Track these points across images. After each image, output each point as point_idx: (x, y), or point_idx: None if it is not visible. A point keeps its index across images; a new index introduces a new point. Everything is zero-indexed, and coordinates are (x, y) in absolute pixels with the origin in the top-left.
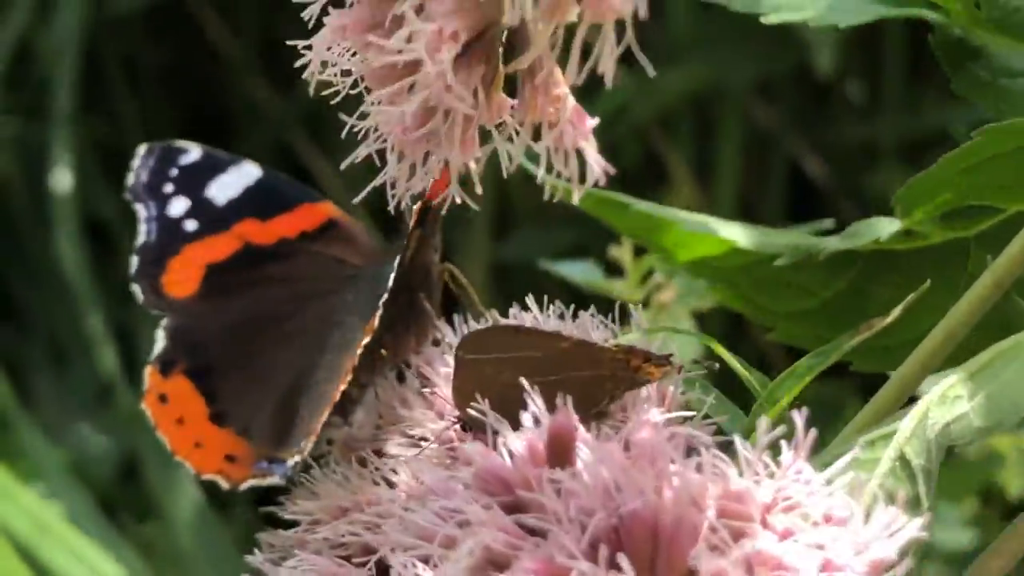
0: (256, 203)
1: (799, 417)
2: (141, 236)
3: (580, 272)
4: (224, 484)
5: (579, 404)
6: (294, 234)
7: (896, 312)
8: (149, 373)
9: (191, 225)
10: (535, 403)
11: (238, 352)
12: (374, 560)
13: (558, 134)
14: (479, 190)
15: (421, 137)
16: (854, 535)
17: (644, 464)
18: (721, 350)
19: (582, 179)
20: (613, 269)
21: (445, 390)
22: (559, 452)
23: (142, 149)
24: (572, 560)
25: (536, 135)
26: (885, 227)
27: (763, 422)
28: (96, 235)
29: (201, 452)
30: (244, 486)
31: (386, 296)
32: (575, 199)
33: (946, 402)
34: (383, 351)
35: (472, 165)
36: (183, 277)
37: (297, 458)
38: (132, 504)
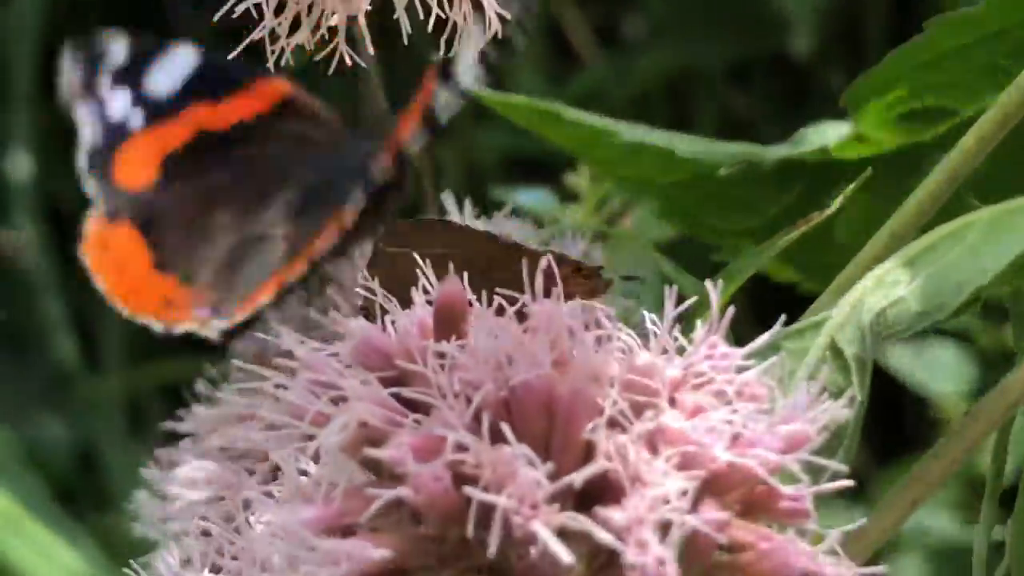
0: (203, 87)
1: (714, 290)
2: (86, 138)
3: (535, 200)
4: (158, 327)
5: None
6: (250, 115)
7: (836, 204)
8: (94, 221)
9: (136, 119)
10: (427, 280)
11: (189, 213)
12: (269, 465)
13: None
14: (371, 49)
15: None
16: (769, 411)
17: (540, 336)
18: (656, 253)
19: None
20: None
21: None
22: (448, 325)
23: (68, 48)
24: (451, 431)
25: None
26: (834, 131)
27: (671, 294)
28: (55, 220)
29: (138, 296)
30: (179, 330)
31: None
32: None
33: (882, 287)
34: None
35: (362, 20)
36: (135, 167)
37: (237, 317)
38: (90, 494)
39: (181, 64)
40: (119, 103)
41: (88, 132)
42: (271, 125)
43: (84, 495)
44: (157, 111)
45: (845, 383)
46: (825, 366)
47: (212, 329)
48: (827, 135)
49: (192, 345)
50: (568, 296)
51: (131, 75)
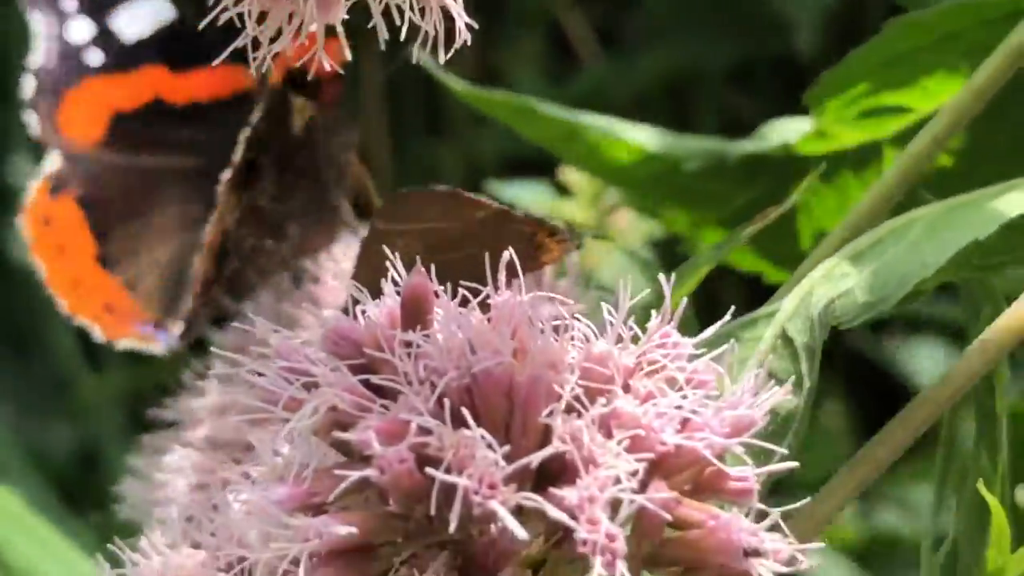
0: (167, 48)
1: (666, 283)
2: (38, 56)
3: (532, 193)
4: (99, 335)
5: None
6: (207, 98)
7: (791, 200)
8: (36, 188)
9: (94, 57)
10: (397, 271)
11: (136, 201)
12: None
13: None
14: (348, 55)
15: None
16: (718, 397)
17: (501, 326)
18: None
19: (448, 40)
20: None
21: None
22: (415, 315)
23: None
24: (416, 416)
25: None
26: (795, 127)
27: (624, 287)
28: None
29: (79, 292)
30: (121, 345)
31: (235, 169)
32: (440, 59)
33: (831, 279)
34: (287, 239)
35: (340, 28)
36: (83, 117)
37: (175, 332)
38: (92, 494)
39: (153, 14)
40: (81, 27)
41: (42, 49)
42: (225, 115)
43: (86, 494)
44: (117, 56)
45: (795, 371)
46: (774, 354)
47: (157, 347)
48: (789, 131)
49: (191, 346)
50: (544, 261)
51: (100, 6)
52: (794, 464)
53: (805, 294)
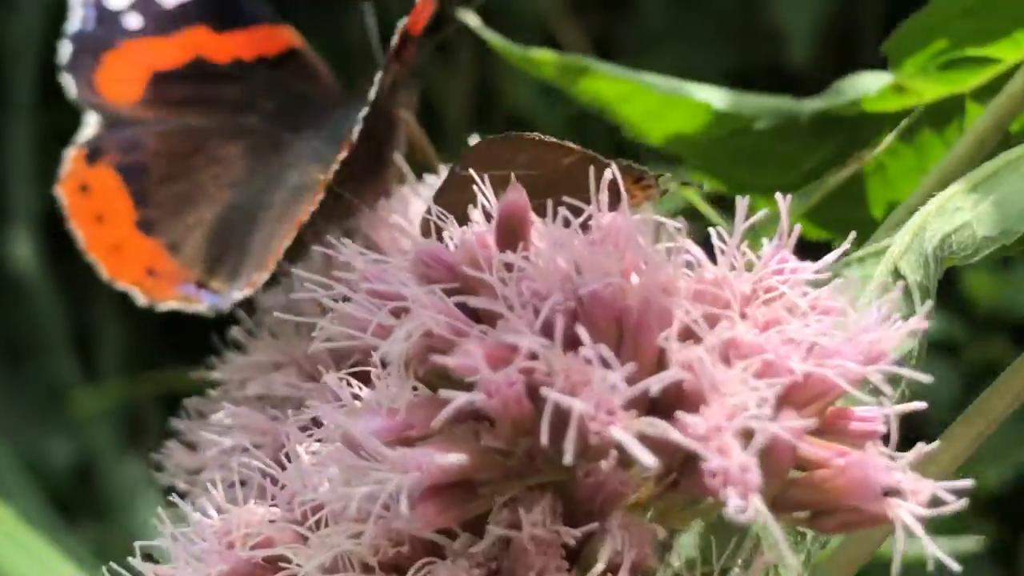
0: (209, 10)
1: (783, 202)
2: (75, 23)
3: None
4: (141, 299)
5: None
6: (251, 56)
7: (885, 143)
8: (72, 157)
9: (133, 21)
10: (486, 197)
11: (177, 162)
12: (308, 416)
13: None
14: None
15: None
16: (845, 324)
17: (608, 247)
18: (694, 197)
19: None
20: None
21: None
22: (511, 236)
23: None
24: (523, 337)
25: None
26: (873, 82)
27: (741, 205)
28: (53, 231)
29: (119, 257)
30: (164, 307)
31: (351, 146)
32: None
33: (945, 213)
34: (344, 197)
35: None
36: (122, 77)
37: (247, 291)
38: (87, 505)
39: None
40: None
41: (79, 16)
42: (270, 73)
43: (81, 505)
44: (157, 20)
45: (908, 310)
46: (889, 292)
47: (201, 307)
48: (866, 85)
49: (190, 353)
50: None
51: None
52: (922, 405)
53: (918, 229)
